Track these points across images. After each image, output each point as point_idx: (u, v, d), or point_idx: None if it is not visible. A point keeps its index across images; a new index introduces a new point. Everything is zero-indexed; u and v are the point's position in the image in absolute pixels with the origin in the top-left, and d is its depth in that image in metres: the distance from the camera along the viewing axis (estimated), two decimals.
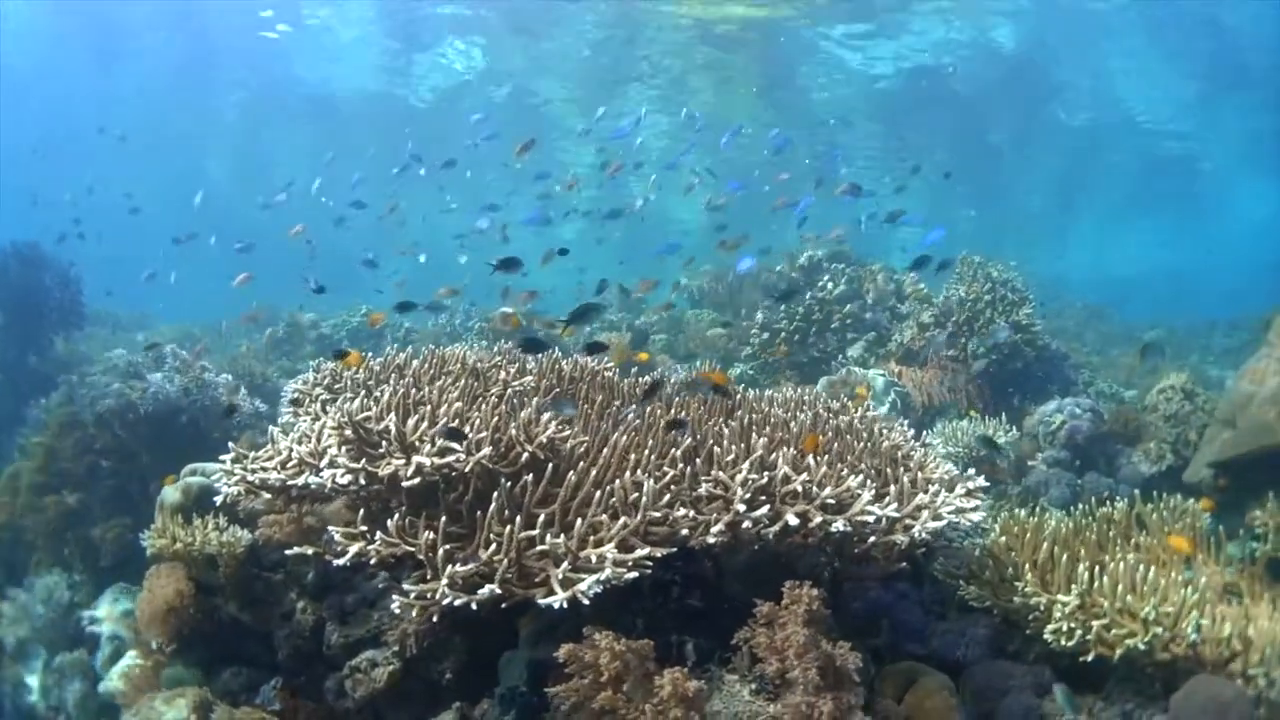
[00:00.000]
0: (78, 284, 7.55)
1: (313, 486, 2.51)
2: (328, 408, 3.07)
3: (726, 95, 13.16)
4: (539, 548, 2.20)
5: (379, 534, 2.30)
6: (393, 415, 2.56)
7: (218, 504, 2.74)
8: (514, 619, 2.98)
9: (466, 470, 2.42)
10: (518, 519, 2.23)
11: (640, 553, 2.14)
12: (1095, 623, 2.43)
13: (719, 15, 12.21)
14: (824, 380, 6.39)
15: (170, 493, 3.05)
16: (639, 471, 2.44)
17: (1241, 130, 15.92)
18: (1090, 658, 2.45)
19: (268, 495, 2.65)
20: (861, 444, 2.85)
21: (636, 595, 2.69)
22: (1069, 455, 5.12)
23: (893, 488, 2.49)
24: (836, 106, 13.78)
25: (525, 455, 2.51)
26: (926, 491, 2.57)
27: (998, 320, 6.42)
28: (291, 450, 2.57)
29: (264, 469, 2.59)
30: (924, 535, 2.35)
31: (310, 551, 2.56)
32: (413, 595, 2.23)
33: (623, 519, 2.18)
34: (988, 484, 2.78)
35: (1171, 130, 16.38)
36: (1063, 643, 2.52)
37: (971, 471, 2.76)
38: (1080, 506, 3.31)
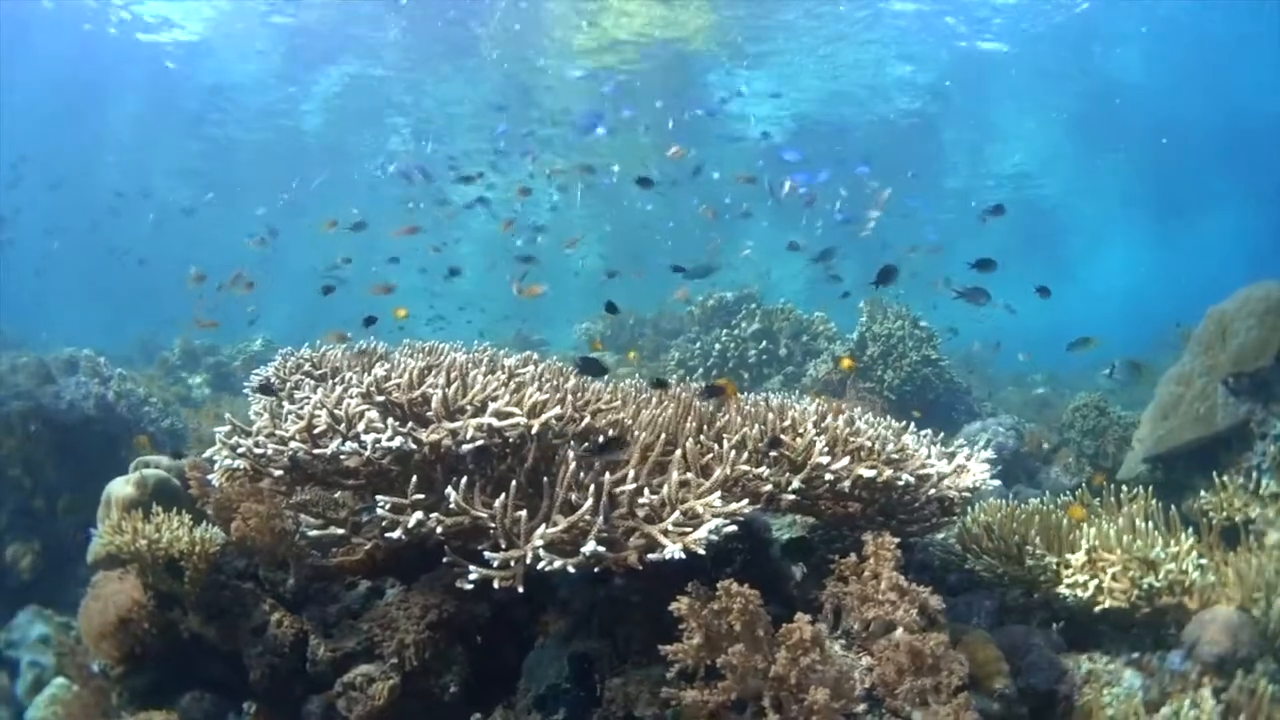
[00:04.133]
0: None
1: (345, 455, 2.41)
2: (317, 390, 2.95)
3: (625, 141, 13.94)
4: (638, 502, 2.27)
5: (452, 496, 2.26)
6: (435, 379, 2.54)
7: (199, 489, 2.53)
8: (518, 624, 2.96)
9: (534, 432, 2.44)
10: (607, 476, 2.29)
11: (735, 505, 2.27)
12: (1109, 570, 2.85)
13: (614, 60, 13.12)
14: None
15: (122, 485, 2.73)
16: (702, 438, 2.58)
17: (1110, 189, 18.80)
18: (1106, 605, 2.86)
19: (278, 472, 2.49)
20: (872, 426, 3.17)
21: (698, 569, 2.79)
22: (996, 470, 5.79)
23: (933, 449, 2.82)
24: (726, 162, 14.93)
25: (585, 421, 2.58)
26: (954, 458, 2.93)
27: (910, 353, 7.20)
28: (315, 415, 2.45)
29: (280, 436, 2.45)
30: (973, 486, 2.67)
31: (340, 533, 2.44)
32: (495, 564, 2.20)
33: (717, 470, 2.31)
34: (994, 456, 3.19)
35: (1043, 187, 19.03)
36: (1078, 594, 2.92)
37: (980, 444, 3.15)
38: (1037, 499, 3.82)
